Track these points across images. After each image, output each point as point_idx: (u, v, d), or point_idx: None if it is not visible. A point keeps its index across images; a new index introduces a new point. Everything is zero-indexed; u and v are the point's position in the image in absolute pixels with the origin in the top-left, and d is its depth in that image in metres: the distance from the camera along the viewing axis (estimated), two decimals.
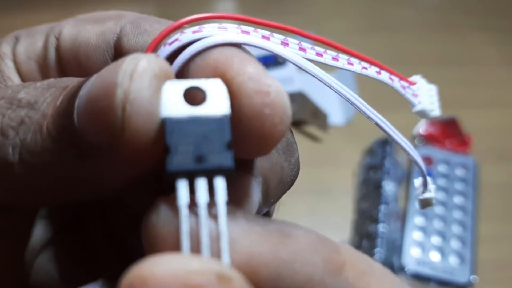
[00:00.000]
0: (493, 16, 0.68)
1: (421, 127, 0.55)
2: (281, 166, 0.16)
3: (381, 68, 0.17)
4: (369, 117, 0.17)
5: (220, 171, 0.13)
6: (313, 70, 0.16)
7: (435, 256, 0.48)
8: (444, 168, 0.54)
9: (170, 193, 0.13)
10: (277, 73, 0.54)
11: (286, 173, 0.17)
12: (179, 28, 0.15)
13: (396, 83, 0.18)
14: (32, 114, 0.14)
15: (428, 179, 0.18)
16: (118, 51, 0.17)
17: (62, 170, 0.14)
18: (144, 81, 0.13)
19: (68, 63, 0.18)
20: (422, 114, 0.18)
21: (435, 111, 0.18)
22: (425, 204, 0.18)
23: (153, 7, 0.68)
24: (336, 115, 0.57)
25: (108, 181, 0.14)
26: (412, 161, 0.57)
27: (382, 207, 0.50)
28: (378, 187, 0.52)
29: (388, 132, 0.17)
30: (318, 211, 0.51)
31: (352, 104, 0.16)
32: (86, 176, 0.14)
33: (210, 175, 0.13)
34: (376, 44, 0.65)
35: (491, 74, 0.63)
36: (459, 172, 0.53)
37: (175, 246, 0.13)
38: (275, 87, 0.13)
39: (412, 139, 0.55)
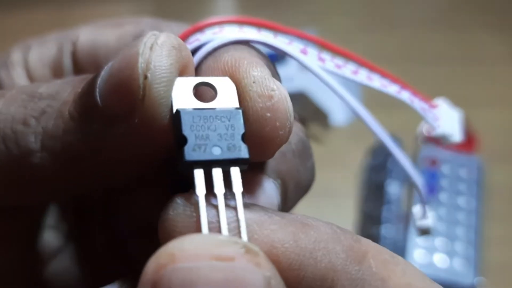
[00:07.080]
0: (500, 14, 0.68)
1: (425, 127, 0.55)
2: (297, 169, 0.17)
3: (403, 87, 0.17)
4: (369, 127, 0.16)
5: (236, 161, 0.13)
6: (328, 81, 0.16)
7: (439, 258, 0.48)
8: (449, 169, 0.53)
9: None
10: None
11: (302, 177, 0.17)
12: (200, 29, 0.15)
13: (417, 104, 0.18)
14: (54, 103, 0.15)
15: (427, 207, 0.18)
16: None
17: (82, 152, 0.14)
18: (164, 51, 0.13)
19: (86, 66, 0.19)
20: (441, 138, 0.18)
21: (455, 136, 0.18)
22: (423, 232, 0.18)
23: (150, 3, 0.68)
24: (338, 115, 0.57)
25: (122, 161, 0.15)
26: (416, 162, 0.56)
27: (385, 208, 0.50)
28: (381, 188, 0.51)
29: (391, 149, 0.17)
30: (320, 212, 0.50)
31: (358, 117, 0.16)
32: (104, 156, 0.14)
33: (225, 165, 0.13)
34: (379, 42, 0.64)
35: (499, 72, 0.62)
36: (464, 172, 0.53)
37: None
38: (278, 91, 0.13)
39: (415, 138, 0.54)
